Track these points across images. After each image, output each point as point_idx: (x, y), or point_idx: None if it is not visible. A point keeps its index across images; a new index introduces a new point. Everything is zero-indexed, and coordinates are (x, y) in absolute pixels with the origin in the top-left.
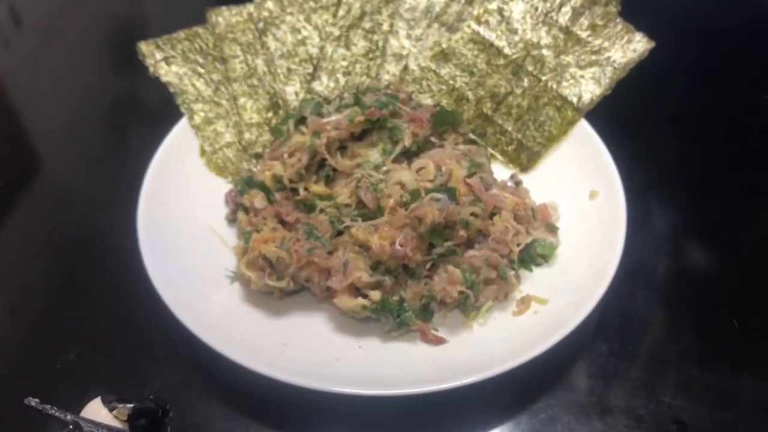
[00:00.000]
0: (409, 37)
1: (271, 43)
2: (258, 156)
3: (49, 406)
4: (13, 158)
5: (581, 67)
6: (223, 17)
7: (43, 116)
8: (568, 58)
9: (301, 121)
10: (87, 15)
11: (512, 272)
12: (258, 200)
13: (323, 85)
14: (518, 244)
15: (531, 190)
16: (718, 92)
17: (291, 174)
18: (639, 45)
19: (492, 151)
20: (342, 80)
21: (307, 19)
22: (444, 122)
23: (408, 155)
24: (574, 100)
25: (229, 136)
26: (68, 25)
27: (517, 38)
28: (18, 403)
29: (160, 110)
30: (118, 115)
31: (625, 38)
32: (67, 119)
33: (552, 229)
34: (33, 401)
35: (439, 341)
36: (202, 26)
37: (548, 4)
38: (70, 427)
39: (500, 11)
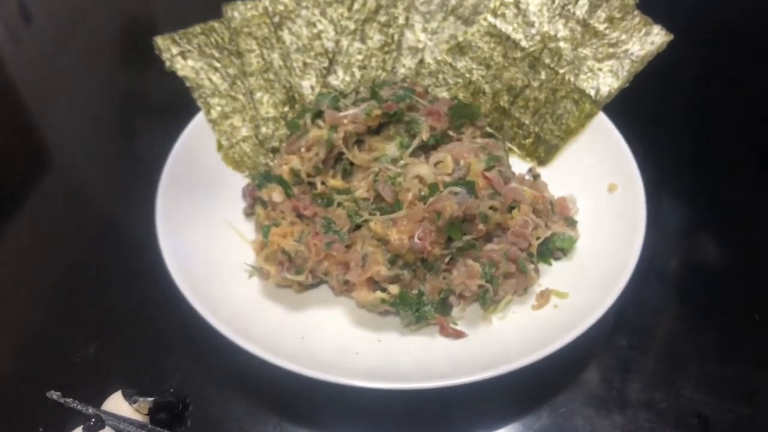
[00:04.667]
0: (425, 30)
1: (287, 37)
2: (275, 150)
3: (71, 399)
4: (29, 154)
5: (599, 60)
6: (238, 11)
7: (58, 111)
8: (586, 51)
9: (318, 115)
10: (99, 9)
11: (531, 266)
12: (276, 194)
13: (339, 79)
14: (537, 238)
15: (549, 184)
16: (736, 85)
17: (308, 168)
18: (657, 38)
19: (509, 145)
20: (358, 74)
21: (323, 13)
22: (462, 115)
23: (425, 149)
24: (592, 93)
25: (245, 130)
26: (80, 19)
27: (533, 31)
28: (40, 397)
29: (174, 105)
30: (132, 110)
31: (643, 31)
32: (82, 114)
33: (571, 222)
34: (55, 395)
35: (459, 335)
36: (218, 20)
37: None
38: (92, 420)
39: (517, 4)
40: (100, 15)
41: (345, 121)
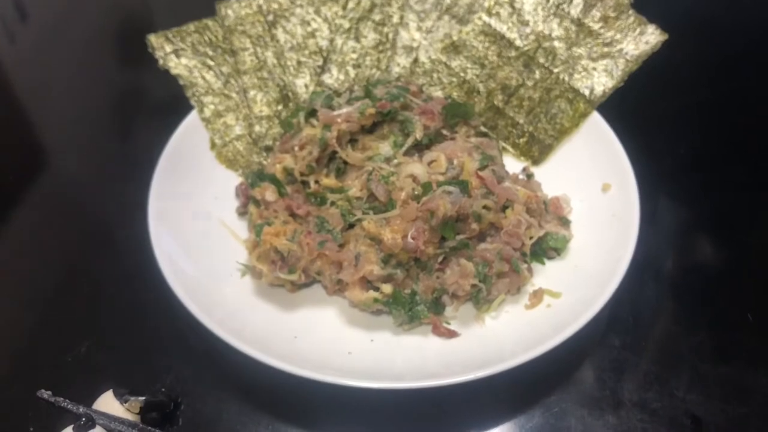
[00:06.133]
0: (419, 29)
1: (281, 36)
2: (268, 149)
3: (62, 398)
4: (22, 152)
5: (593, 60)
6: (232, 10)
7: (51, 110)
8: (580, 50)
9: (312, 113)
10: (94, 7)
11: (525, 265)
12: (269, 193)
13: (333, 77)
14: (531, 237)
15: (543, 183)
16: (730, 84)
17: (302, 167)
18: (651, 37)
19: (503, 144)
20: (352, 73)
21: (317, 12)
22: (456, 114)
23: (419, 148)
24: (587, 92)
25: (239, 128)
26: (75, 17)
27: (528, 30)
28: (30, 396)
29: (168, 104)
30: (126, 108)
31: (638, 30)
32: (75, 113)
33: (564, 222)
34: (45, 394)
35: (451, 334)
36: (212, 19)
37: None
38: (83, 419)
39: (511, 3)
40: (95, 13)
41: (339, 119)
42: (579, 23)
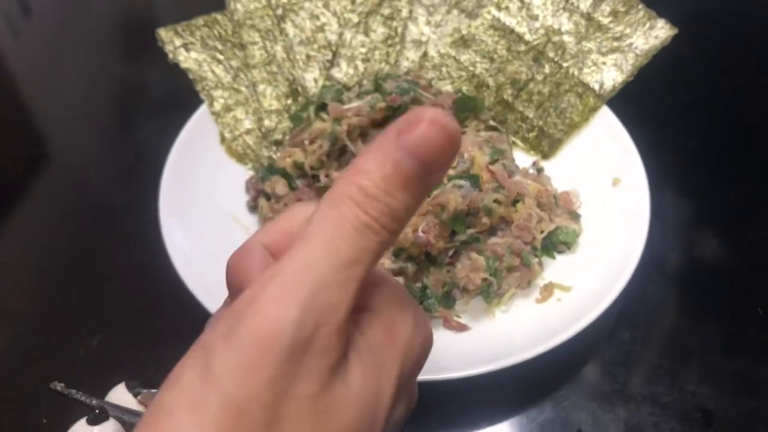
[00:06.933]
0: (428, 23)
1: (290, 30)
2: (278, 143)
3: (75, 390)
4: (30, 147)
5: (603, 54)
6: (241, 3)
7: (59, 105)
8: (590, 45)
9: (322, 107)
10: (98, 2)
11: (535, 259)
12: (279, 187)
13: (342, 71)
14: (541, 231)
15: (552, 177)
16: (740, 79)
17: (312, 161)
18: (661, 32)
19: (513, 138)
20: (361, 67)
21: (326, 6)
22: (466, 108)
23: None
24: (596, 86)
25: (248, 122)
26: (80, 11)
27: (537, 24)
28: (43, 388)
29: (177, 98)
30: (135, 103)
31: (647, 25)
32: (83, 108)
33: (574, 216)
34: (59, 386)
35: (462, 328)
36: (221, 12)
37: None
38: (96, 411)
39: None
40: (101, 7)
41: (349, 113)
42: (588, 17)
